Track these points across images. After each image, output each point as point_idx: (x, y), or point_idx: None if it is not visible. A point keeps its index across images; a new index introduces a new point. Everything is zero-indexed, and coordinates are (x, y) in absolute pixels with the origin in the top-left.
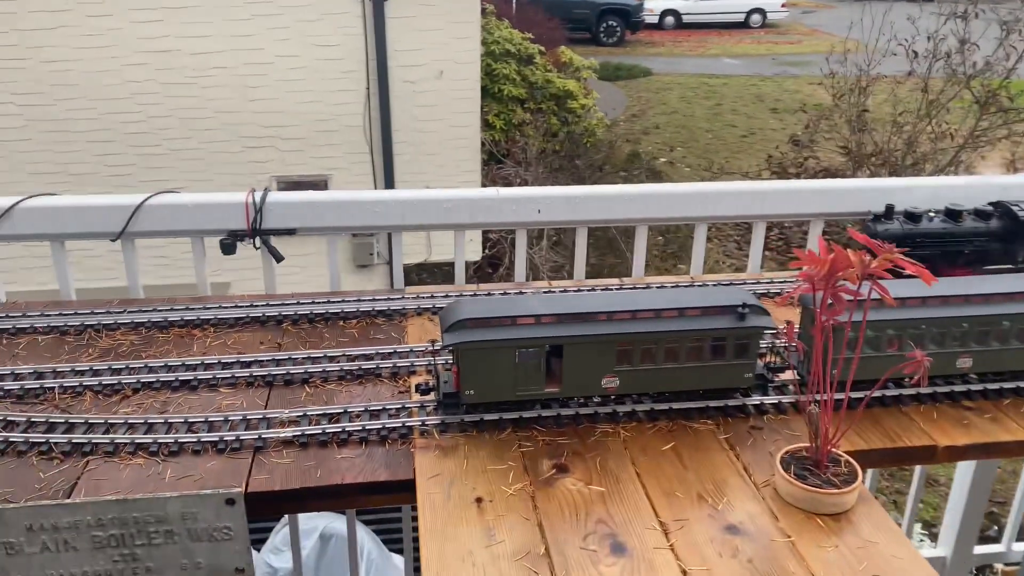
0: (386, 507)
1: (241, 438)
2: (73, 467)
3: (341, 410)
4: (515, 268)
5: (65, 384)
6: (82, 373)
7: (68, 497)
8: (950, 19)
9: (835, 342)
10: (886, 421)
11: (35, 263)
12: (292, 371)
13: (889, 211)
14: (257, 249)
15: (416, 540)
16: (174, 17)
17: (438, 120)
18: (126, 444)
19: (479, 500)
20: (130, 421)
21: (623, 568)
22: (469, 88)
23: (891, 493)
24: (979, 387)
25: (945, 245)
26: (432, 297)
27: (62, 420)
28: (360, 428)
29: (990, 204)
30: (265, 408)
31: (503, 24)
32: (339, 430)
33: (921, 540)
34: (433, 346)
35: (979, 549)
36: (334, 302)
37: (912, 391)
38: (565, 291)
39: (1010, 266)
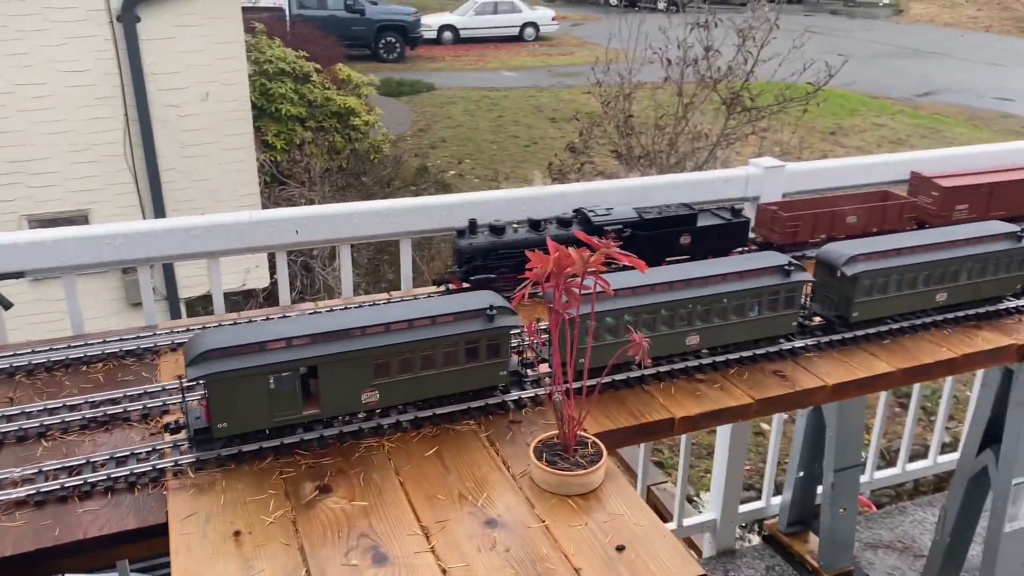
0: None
1: None
2: None
3: (83, 461)
4: (279, 292)
5: None
6: None
7: None
8: (695, 28)
9: (581, 333)
10: (631, 401)
11: None
12: (26, 426)
13: (473, 225)
14: None
15: None
16: None
17: (209, 144)
18: None
19: (237, 533)
20: None
21: None
22: (239, 109)
23: (700, 471)
24: (708, 361)
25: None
26: (187, 331)
27: None
28: (105, 477)
29: (573, 211)
30: None
31: (275, 43)
32: (80, 482)
33: (701, 510)
34: (182, 382)
35: (743, 508)
36: (75, 346)
37: (653, 371)
38: (332, 310)
39: None
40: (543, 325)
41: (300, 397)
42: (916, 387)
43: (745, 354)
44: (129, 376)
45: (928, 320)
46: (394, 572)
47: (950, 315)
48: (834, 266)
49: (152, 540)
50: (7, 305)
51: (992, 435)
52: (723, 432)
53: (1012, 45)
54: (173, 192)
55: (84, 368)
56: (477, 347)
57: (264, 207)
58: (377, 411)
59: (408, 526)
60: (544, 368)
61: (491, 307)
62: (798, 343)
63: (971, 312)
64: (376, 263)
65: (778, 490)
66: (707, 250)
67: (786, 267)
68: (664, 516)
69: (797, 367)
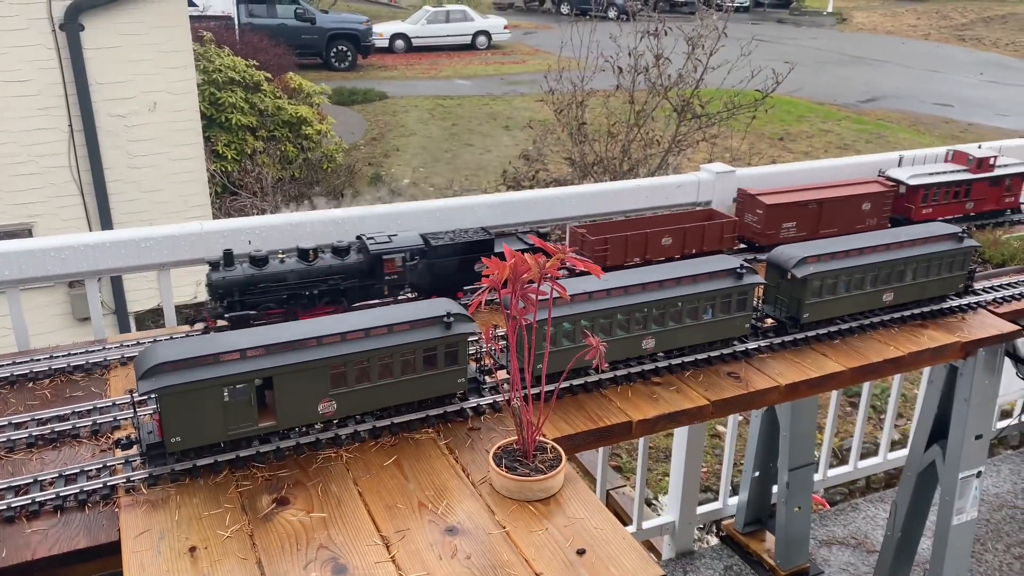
0: None
1: None
2: None
3: (31, 480)
4: None
5: None
6: None
7: None
8: (645, 37)
9: (538, 338)
10: (589, 405)
11: None
12: None
13: (229, 257)
14: None
15: None
16: None
17: (158, 154)
18: None
19: (193, 549)
20: None
21: None
22: (188, 119)
23: (658, 474)
24: (664, 364)
25: (300, 287)
26: (138, 344)
27: None
28: (53, 496)
29: (357, 237)
30: None
31: (224, 52)
32: (28, 502)
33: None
34: (133, 396)
35: (701, 509)
36: (20, 363)
37: (610, 375)
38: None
39: (376, 301)
40: (500, 332)
41: (255, 409)
42: (866, 386)
43: (700, 356)
44: (78, 392)
45: (876, 320)
46: None
47: (897, 315)
48: (784, 268)
49: (104, 559)
50: None
51: (939, 431)
52: (680, 435)
53: (950, 52)
54: (121, 204)
55: (31, 384)
56: (435, 355)
57: (215, 218)
58: (334, 421)
59: (368, 536)
60: (502, 375)
61: (448, 314)
62: (751, 344)
63: (917, 311)
64: None
65: (735, 491)
66: None
67: (738, 270)
68: (623, 520)
69: (751, 368)
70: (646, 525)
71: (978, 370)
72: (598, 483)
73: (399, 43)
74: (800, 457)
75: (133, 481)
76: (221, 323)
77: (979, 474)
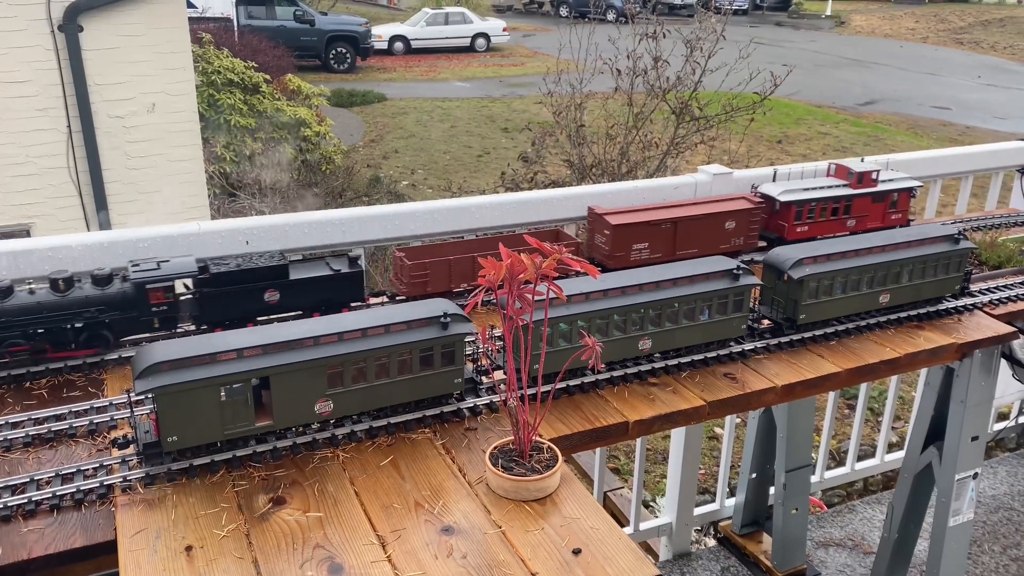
0: None
1: None
2: None
3: (27, 479)
4: None
5: None
6: None
7: None
8: (644, 39)
9: (535, 339)
10: (585, 405)
11: None
12: None
13: None
14: None
15: None
16: None
17: (156, 155)
18: None
19: (189, 548)
20: None
21: None
22: (187, 120)
23: (656, 476)
24: (661, 364)
25: (53, 320)
26: (135, 344)
27: None
28: (50, 495)
29: (130, 262)
30: None
31: (223, 53)
32: (25, 501)
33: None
34: (130, 396)
35: (698, 511)
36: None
37: (606, 375)
38: (284, 320)
39: (139, 335)
40: (497, 332)
41: (252, 409)
42: (863, 388)
43: (696, 357)
44: (75, 391)
45: (872, 321)
46: None
47: (893, 316)
48: (781, 270)
49: (100, 558)
50: None
51: (935, 433)
52: (677, 437)
53: (948, 56)
54: (119, 204)
55: (27, 384)
56: (431, 355)
57: (214, 219)
58: (331, 421)
59: (364, 536)
60: (499, 375)
61: (445, 315)
62: (747, 345)
63: (913, 313)
64: None
65: (732, 492)
66: (307, 306)
67: (735, 271)
68: (621, 521)
69: (747, 369)
70: (643, 526)
71: (974, 372)
72: (596, 485)
73: (398, 45)
74: (797, 459)
75: (129, 480)
76: None
77: (975, 476)
